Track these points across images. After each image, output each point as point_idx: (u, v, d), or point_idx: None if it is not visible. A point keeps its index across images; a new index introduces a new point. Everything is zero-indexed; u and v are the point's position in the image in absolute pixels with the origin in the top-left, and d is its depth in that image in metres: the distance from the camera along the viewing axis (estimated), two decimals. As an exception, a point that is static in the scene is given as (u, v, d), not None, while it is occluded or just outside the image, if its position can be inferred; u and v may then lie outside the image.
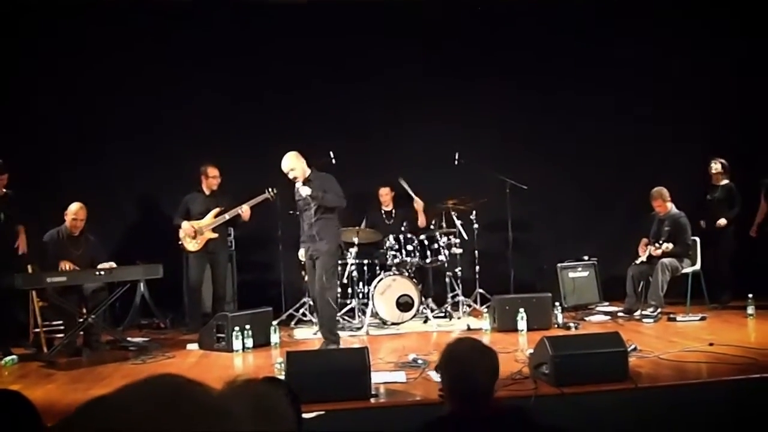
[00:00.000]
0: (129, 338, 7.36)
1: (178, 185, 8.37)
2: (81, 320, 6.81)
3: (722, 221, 8.30)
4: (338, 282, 6.79)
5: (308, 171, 6.53)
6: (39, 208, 7.86)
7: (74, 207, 7.11)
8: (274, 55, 9.06)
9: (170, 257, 8.06)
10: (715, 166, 8.53)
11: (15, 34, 8.40)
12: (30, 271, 6.93)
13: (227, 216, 7.83)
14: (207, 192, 8.14)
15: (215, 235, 7.95)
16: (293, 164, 6.45)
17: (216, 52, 8.98)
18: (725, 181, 8.52)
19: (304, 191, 6.40)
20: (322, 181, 6.53)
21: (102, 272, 6.76)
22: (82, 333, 6.91)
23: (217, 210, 7.86)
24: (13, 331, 7.18)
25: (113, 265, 6.96)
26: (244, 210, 7.79)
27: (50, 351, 6.66)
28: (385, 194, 8.98)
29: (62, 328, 7.06)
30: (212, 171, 8.11)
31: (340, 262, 8.15)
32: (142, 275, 7.28)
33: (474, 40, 9.25)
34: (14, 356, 6.53)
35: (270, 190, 7.84)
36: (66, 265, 6.85)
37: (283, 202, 8.07)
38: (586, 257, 8.85)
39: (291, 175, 6.47)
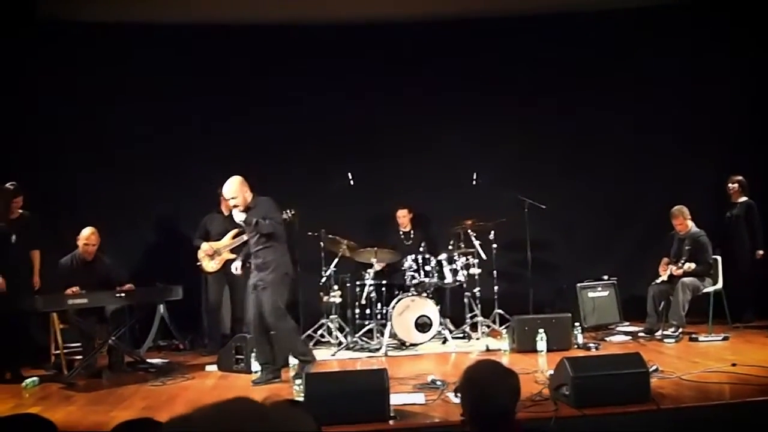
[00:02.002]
0: (148, 360, 7.38)
1: (197, 206, 8.42)
2: (101, 342, 6.86)
3: (760, 253, 8.30)
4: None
5: (250, 198, 6.29)
6: (57, 229, 7.97)
7: (86, 232, 7.16)
8: (291, 77, 9.12)
9: (189, 278, 8.11)
10: (733, 185, 8.48)
11: (33, 51, 8.51)
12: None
13: (245, 237, 7.83)
14: (226, 213, 8.15)
15: (233, 256, 7.95)
16: (235, 192, 6.21)
17: (235, 73, 9.08)
18: (744, 198, 8.47)
19: (238, 217, 6.26)
20: (262, 206, 6.28)
21: (122, 294, 6.81)
22: (105, 354, 6.95)
23: (235, 231, 7.87)
24: (28, 353, 7.24)
25: (132, 287, 7.01)
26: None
27: (70, 373, 6.69)
28: (403, 216, 8.99)
29: (81, 349, 7.10)
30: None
31: (358, 283, 8.18)
32: (161, 297, 7.31)
33: (490, 59, 9.28)
34: (35, 378, 6.57)
35: (288, 211, 7.86)
36: (72, 291, 6.87)
37: (301, 224, 8.11)
38: (605, 277, 8.77)
39: (231, 203, 6.25)
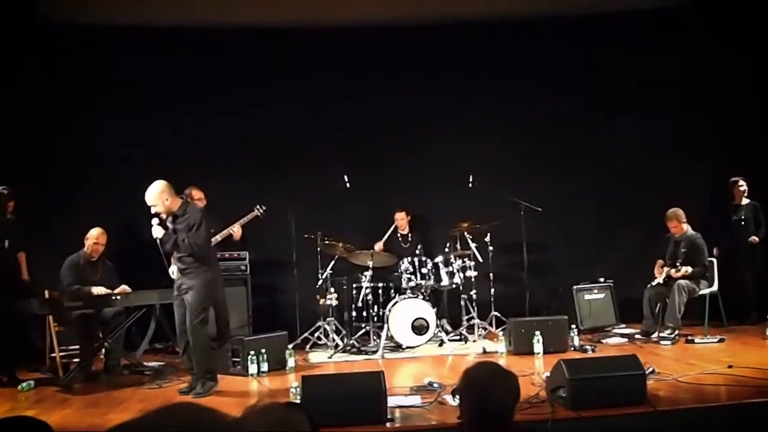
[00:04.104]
0: (144, 362, 7.37)
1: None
2: (97, 345, 6.85)
3: (754, 239, 8.41)
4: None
5: (177, 205, 5.93)
6: (54, 229, 7.97)
7: (95, 232, 7.20)
8: (289, 79, 9.12)
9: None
10: (741, 187, 8.55)
11: (33, 52, 8.48)
12: (47, 296, 6.96)
13: (219, 237, 7.65)
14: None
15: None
16: (154, 200, 5.83)
17: (233, 75, 9.08)
18: (747, 201, 8.54)
19: (155, 232, 5.93)
20: (191, 218, 5.90)
21: (118, 297, 6.81)
22: (101, 357, 6.94)
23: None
24: (24, 356, 7.21)
25: (128, 289, 7.01)
26: (236, 230, 7.76)
27: (66, 376, 6.66)
28: (401, 218, 8.99)
29: (78, 352, 7.09)
30: (196, 193, 7.62)
31: (354, 285, 8.18)
32: (157, 299, 7.30)
33: (487, 62, 9.28)
34: (30, 381, 6.55)
35: (258, 207, 7.85)
36: (98, 290, 6.88)
37: (298, 226, 8.11)
38: (602, 279, 8.79)
39: (153, 210, 5.88)
